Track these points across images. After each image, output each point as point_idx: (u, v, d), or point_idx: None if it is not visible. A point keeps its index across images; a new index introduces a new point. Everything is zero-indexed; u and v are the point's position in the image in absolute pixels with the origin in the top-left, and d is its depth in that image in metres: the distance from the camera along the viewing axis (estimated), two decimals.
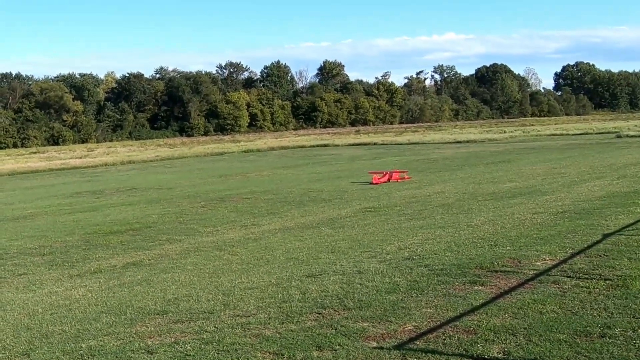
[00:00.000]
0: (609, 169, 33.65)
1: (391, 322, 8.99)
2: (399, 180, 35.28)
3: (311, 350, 8.10)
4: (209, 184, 40.57)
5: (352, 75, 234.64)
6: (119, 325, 10.05)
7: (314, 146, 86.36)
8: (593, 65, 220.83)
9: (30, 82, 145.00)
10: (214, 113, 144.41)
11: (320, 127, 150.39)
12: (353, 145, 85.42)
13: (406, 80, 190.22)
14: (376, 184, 34.16)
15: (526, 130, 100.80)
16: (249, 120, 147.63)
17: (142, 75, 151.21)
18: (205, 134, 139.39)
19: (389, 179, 35.24)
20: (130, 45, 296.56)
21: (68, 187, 44.90)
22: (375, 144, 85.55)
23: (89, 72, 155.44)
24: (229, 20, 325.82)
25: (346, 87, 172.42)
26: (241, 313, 10.06)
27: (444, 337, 8.26)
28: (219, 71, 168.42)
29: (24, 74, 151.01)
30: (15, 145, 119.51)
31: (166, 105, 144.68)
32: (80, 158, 79.68)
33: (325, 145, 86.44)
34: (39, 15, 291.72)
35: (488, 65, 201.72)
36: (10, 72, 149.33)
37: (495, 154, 54.08)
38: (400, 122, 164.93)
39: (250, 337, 8.75)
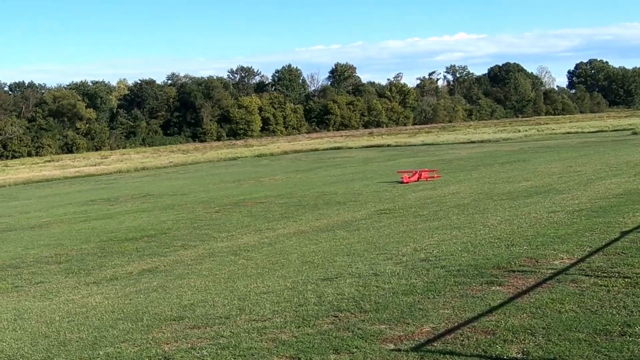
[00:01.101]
0: (625, 166, 33.44)
1: (408, 324, 8.94)
2: (428, 179, 35.73)
3: (328, 354, 8.05)
4: (223, 189, 40.62)
5: (364, 77, 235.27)
6: (135, 331, 10.04)
7: (327, 149, 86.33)
8: (606, 62, 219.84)
9: (43, 91, 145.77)
10: (226, 118, 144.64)
11: (333, 130, 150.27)
12: (366, 147, 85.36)
13: (418, 81, 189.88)
14: (406, 182, 34.57)
15: (541, 128, 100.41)
16: (261, 125, 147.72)
17: (154, 81, 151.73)
18: (218, 139, 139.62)
19: (418, 178, 35.70)
20: (141, 52, 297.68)
21: (82, 195, 45.10)
22: (388, 145, 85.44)
23: (101, 80, 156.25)
24: (239, 25, 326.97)
25: (358, 89, 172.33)
26: (257, 318, 10.03)
27: (462, 338, 8.20)
28: (231, 76, 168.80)
29: (36, 82, 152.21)
30: (29, 154, 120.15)
31: (178, 111, 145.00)
32: (94, 165, 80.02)
33: (338, 148, 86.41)
34: (51, 24, 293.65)
35: (500, 64, 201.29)
36: (23, 81, 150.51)
37: (510, 154, 53.87)
38: (414, 123, 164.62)
39: (266, 342, 8.71)
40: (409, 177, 35.58)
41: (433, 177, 36.63)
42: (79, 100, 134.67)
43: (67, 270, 17.81)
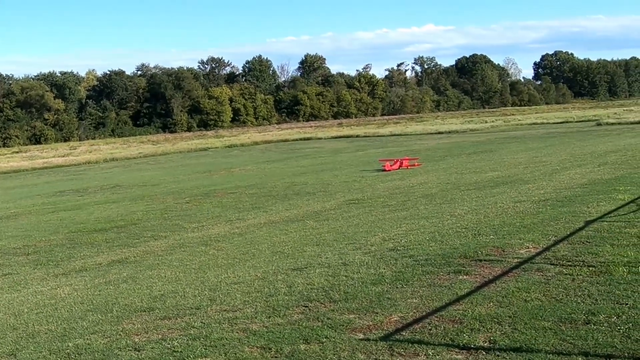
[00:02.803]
0: (589, 156, 33.86)
1: (377, 313, 9.02)
2: (409, 167, 36.61)
3: (298, 344, 8.12)
4: (193, 179, 40.50)
5: (334, 68, 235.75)
6: (105, 323, 10.03)
7: (297, 140, 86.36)
8: (572, 54, 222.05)
9: (10, 82, 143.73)
10: (196, 109, 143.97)
11: (303, 121, 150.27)
12: (336, 138, 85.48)
13: (387, 73, 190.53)
14: (388, 170, 35.39)
15: (507, 119, 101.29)
16: (232, 116, 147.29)
17: (124, 72, 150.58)
18: (189, 129, 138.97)
19: (400, 166, 36.54)
20: (110, 43, 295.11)
21: (51, 186, 44.69)
22: (357, 136, 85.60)
23: (69, 71, 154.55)
24: (210, 16, 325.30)
25: (328, 80, 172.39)
26: (228, 308, 10.06)
27: (430, 327, 8.29)
28: (201, 67, 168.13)
29: (3, 73, 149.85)
30: None
31: (148, 102, 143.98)
32: (63, 156, 79.23)
33: (308, 139, 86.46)
34: (18, 14, 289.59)
35: (468, 56, 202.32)
36: None
37: (477, 144, 54.27)
38: (382, 114, 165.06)
39: (237, 332, 8.75)
40: (390, 165, 36.32)
41: (414, 165, 37.50)
42: (47, 91, 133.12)
43: (35, 261, 17.68)
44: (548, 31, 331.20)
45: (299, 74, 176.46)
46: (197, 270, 13.96)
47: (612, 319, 8.10)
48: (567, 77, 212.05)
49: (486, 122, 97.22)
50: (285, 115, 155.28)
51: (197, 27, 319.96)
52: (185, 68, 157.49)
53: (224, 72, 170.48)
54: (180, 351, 8.26)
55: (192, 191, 32.89)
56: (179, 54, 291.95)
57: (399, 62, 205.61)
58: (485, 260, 11.52)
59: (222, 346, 8.28)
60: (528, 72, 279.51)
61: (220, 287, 11.59)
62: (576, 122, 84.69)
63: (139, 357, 8.26)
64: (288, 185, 31.98)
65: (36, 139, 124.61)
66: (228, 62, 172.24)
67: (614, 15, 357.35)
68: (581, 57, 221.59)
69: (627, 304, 8.62)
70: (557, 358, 7.14)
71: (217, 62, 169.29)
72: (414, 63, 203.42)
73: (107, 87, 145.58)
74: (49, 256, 18.29)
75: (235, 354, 8.00)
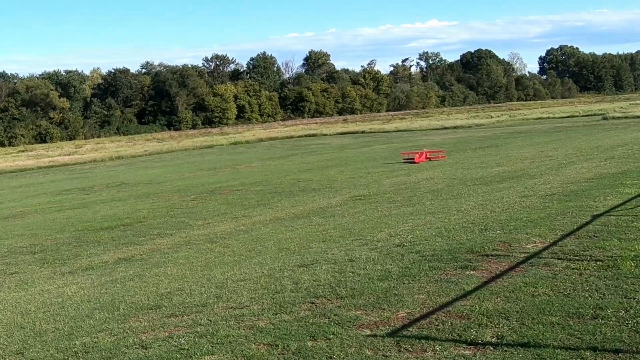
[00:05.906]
0: (596, 150, 33.78)
1: (384, 309, 9.00)
2: (432, 160, 37.80)
3: (305, 340, 8.10)
4: (199, 177, 40.51)
5: (338, 64, 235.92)
6: (112, 321, 10.02)
7: (302, 136, 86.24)
8: (577, 48, 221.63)
9: (15, 81, 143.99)
10: (201, 106, 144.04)
11: (308, 117, 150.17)
12: (341, 134, 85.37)
13: (392, 68, 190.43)
14: (418, 162, 36.49)
15: (513, 114, 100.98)
16: (236, 113, 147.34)
17: (128, 70, 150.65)
18: (194, 127, 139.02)
19: (426, 157, 38.00)
20: (115, 41, 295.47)
21: (57, 185, 44.76)
22: (363, 132, 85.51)
23: (74, 69, 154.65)
24: (213, 13, 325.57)
25: (332, 76, 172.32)
26: (234, 305, 10.05)
27: (437, 323, 8.27)
28: (205, 64, 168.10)
29: (8, 72, 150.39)
30: (2, 144, 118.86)
31: (153, 99, 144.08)
32: (69, 155, 79.26)
33: (313, 135, 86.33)
34: (22, 13, 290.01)
35: (473, 51, 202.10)
36: None
37: (483, 139, 54.18)
38: (387, 110, 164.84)
39: (244, 329, 8.74)
40: (418, 157, 37.55)
41: (438, 157, 38.68)
42: (52, 89, 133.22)
43: (42, 260, 17.70)
44: (552, 26, 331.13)
45: (304, 70, 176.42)
46: (203, 268, 13.96)
47: (620, 314, 8.07)
48: (572, 72, 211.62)
49: (492, 117, 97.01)
50: (290, 112, 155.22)
51: (201, 24, 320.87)
52: (189, 66, 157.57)
53: (228, 69, 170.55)
54: (187, 349, 8.24)
55: (197, 188, 32.90)
56: (183, 51, 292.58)
57: (403, 58, 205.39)
58: (492, 255, 11.49)
59: (229, 343, 8.27)
60: (533, 67, 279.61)
61: (226, 285, 11.58)
62: (582, 116, 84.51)
63: (145, 354, 8.25)
64: (293, 182, 31.98)
65: (41, 138, 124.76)
66: (232, 59, 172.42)
67: (618, 9, 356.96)
68: (586, 52, 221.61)
69: (635, 298, 8.59)
70: (565, 353, 7.11)
71: (221, 60, 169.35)
72: (418, 58, 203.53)
73: (111, 85, 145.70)
74: (55, 255, 18.31)
75: (242, 351, 7.98)
